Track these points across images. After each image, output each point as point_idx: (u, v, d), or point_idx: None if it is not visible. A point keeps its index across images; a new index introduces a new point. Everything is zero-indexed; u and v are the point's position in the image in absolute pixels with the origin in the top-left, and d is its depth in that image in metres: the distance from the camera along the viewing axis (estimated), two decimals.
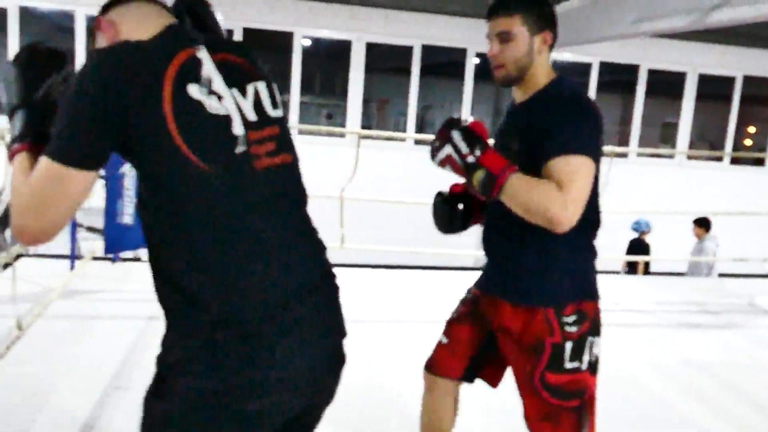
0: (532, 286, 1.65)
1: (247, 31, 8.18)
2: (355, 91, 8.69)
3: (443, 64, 8.81)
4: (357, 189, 4.71)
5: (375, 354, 3.32)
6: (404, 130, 8.90)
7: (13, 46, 7.68)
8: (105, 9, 1.19)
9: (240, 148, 1.12)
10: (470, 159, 1.52)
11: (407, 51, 8.60)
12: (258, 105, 1.18)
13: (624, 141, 9.55)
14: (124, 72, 1.04)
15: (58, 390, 2.70)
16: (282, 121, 1.23)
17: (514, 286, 1.68)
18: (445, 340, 1.85)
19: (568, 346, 1.62)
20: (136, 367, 3.01)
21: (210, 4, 1.29)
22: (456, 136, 1.55)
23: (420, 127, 8.93)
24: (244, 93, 1.17)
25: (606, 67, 9.11)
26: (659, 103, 9.98)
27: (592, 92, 9.06)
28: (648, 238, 7.14)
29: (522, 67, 1.62)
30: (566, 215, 1.46)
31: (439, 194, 1.85)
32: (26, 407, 2.54)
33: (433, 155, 1.59)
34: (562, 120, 1.54)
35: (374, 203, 4.96)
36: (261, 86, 1.21)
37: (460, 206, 1.80)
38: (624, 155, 8.69)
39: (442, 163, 1.58)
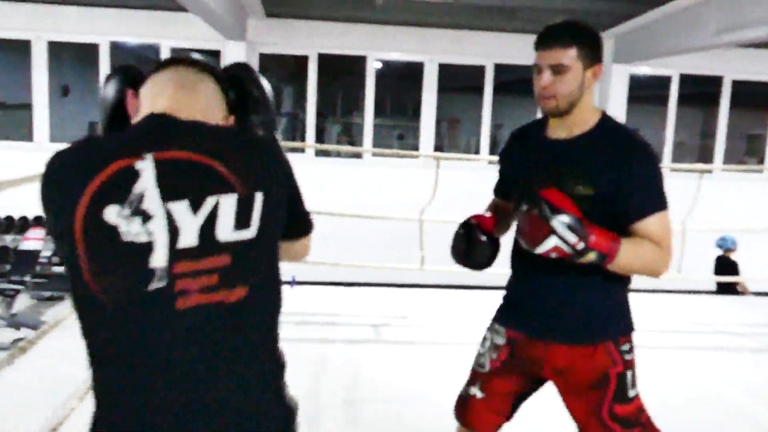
0: (593, 324, 1.65)
1: (321, 57, 8.38)
2: (428, 111, 8.74)
3: (514, 81, 8.76)
4: (432, 210, 4.73)
5: (461, 376, 3.30)
6: (476, 150, 8.87)
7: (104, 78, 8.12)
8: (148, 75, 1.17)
9: (155, 284, 0.95)
10: (580, 246, 1.49)
11: (479, 70, 8.60)
12: (208, 226, 0.98)
13: (706, 154, 9.22)
14: (58, 175, 1.00)
15: None
16: (243, 247, 1.01)
17: (572, 326, 1.66)
18: (480, 395, 1.77)
19: (629, 374, 1.66)
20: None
21: (254, 70, 1.27)
22: (560, 226, 1.49)
23: (492, 146, 8.89)
24: (196, 207, 0.99)
25: (686, 80, 8.84)
26: (744, 115, 9.59)
27: (672, 106, 8.80)
28: (734, 256, 6.84)
29: (573, 101, 1.61)
30: (667, 268, 1.63)
31: (466, 225, 1.82)
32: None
33: (534, 244, 1.52)
34: (646, 175, 1.59)
35: (451, 224, 4.97)
36: (227, 200, 1.00)
37: (483, 238, 1.78)
38: (709, 171, 8.38)
39: (546, 253, 1.52)
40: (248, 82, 1.24)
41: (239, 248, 1.00)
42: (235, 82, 1.21)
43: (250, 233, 1.01)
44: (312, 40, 8.27)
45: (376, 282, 5.45)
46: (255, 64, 8.27)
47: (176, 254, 0.96)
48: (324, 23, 8.15)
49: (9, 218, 7.80)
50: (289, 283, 4.83)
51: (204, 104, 1.13)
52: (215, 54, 8.24)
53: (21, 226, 7.76)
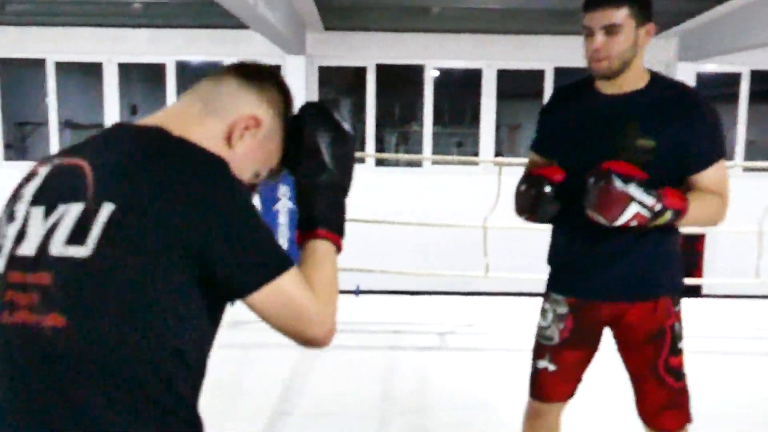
0: (654, 279, 1.68)
1: (379, 67, 8.45)
2: (488, 118, 8.69)
3: None
4: (495, 216, 4.71)
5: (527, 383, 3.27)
6: None
7: (171, 98, 8.41)
8: None
9: None
10: (658, 207, 1.51)
11: (538, 74, 8.51)
12: (48, 237, 0.87)
13: None
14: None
15: (226, 415, 2.89)
16: (70, 266, 0.85)
17: (634, 284, 1.67)
18: (553, 367, 1.78)
19: (677, 327, 1.70)
20: (297, 393, 3.17)
21: (326, 115, 1.12)
22: (636, 191, 1.50)
23: None
24: (48, 214, 0.89)
25: (757, 76, 8.51)
26: None
27: (743, 103, 8.49)
28: None
29: (626, 60, 1.60)
30: (725, 217, 1.66)
31: (530, 179, 1.76)
32: None
33: (612, 217, 1.52)
34: (707, 125, 1.61)
35: (515, 231, 4.93)
36: (73, 210, 0.87)
37: (548, 189, 1.71)
38: None
39: (627, 223, 1.52)
40: (309, 127, 1.08)
41: (64, 267, 0.85)
42: (296, 124, 1.08)
43: (83, 251, 0.84)
44: (370, 51, 8.35)
45: (441, 290, 5.44)
46: (314, 76, 8.42)
47: (12, 262, 0.88)
48: (381, 34, 8.22)
49: None
50: (353, 292, 4.88)
51: (196, 120, 1.01)
52: (275, 68, 8.41)
53: None
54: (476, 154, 8.78)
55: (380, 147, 9.27)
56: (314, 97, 8.43)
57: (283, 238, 4.27)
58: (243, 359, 3.62)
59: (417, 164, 8.78)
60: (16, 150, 9.03)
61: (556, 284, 1.80)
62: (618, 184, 1.49)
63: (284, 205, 4.19)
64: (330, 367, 3.57)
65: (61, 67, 8.43)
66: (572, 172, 1.66)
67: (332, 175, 1.07)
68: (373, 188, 8.47)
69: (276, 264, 0.91)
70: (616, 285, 1.68)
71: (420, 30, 8.10)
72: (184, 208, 0.86)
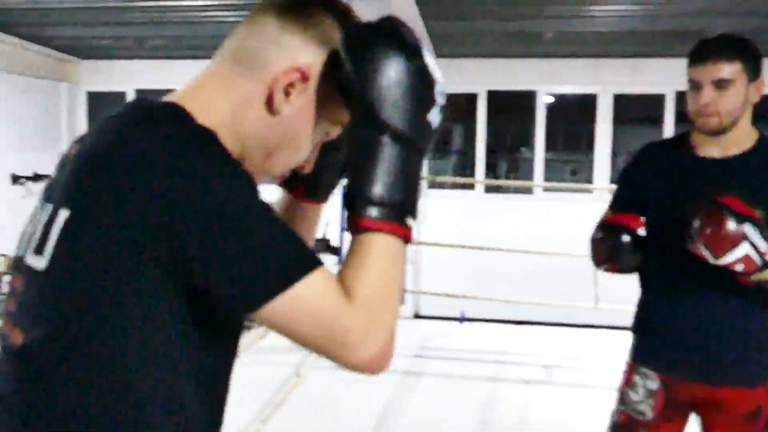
0: (756, 363, 1.56)
1: (491, 94, 8.41)
2: (603, 144, 8.41)
3: None
4: None
5: None
6: None
7: None
8: None
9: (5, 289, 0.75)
10: None
11: (657, 99, 8.15)
12: (28, 241, 0.77)
13: None
14: None
15: None
16: (33, 278, 0.74)
17: (735, 367, 1.56)
18: None
19: None
20: (394, 418, 3.16)
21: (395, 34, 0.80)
22: (751, 231, 1.38)
23: None
24: (38, 214, 0.79)
25: None
26: None
27: None
28: None
29: (736, 118, 1.50)
30: None
31: (606, 228, 1.68)
32: None
33: (720, 252, 1.41)
34: None
35: None
36: (45, 212, 0.75)
37: (626, 238, 1.62)
38: None
39: (731, 264, 1.40)
40: (363, 53, 0.76)
41: (29, 279, 0.75)
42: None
43: (41, 263, 0.73)
44: (481, 77, 8.33)
45: (548, 321, 5.27)
46: None
47: (16, 264, 0.79)
48: (492, 60, 8.19)
49: None
50: (458, 319, 4.83)
51: (209, 92, 0.80)
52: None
53: None
54: (591, 181, 8.50)
55: (492, 174, 9.19)
56: None
57: None
58: (341, 383, 3.67)
59: (528, 191, 8.62)
60: None
61: (647, 358, 1.69)
62: (733, 219, 1.39)
63: None
64: (429, 393, 3.55)
65: None
66: (661, 237, 1.57)
67: (393, 127, 0.75)
68: (481, 215, 8.39)
69: (290, 267, 0.69)
70: (718, 368, 1.58)
71: (532, 55, 8.00)
72: (149, 211, 0.67)
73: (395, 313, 0.75)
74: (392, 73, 0.74)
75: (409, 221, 0.76)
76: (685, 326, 1.60)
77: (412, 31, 0.80)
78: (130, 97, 8.97)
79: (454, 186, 8.67)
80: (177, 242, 0.67)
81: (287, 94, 0.80)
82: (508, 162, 9.82)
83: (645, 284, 1.68)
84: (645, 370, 1.67)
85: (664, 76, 7.93)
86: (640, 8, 5.92)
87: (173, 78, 9.28)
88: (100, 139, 0.75)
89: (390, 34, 0.77)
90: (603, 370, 3.99)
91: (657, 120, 8.20)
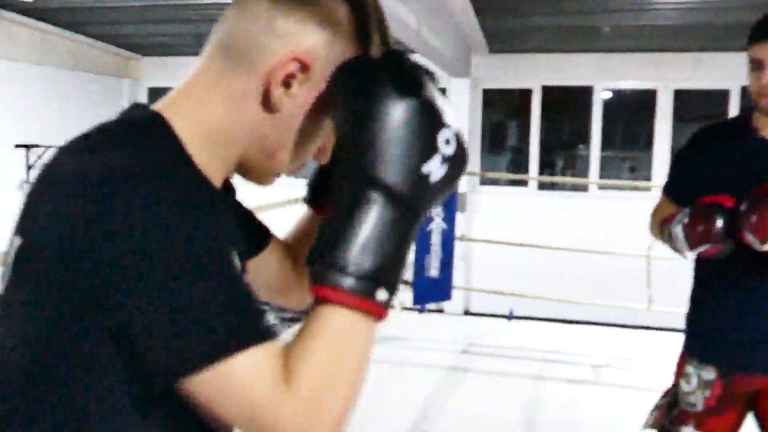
0: None
1: (545, 89, 8.29)
2: (662, 142, 8.18)
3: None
4: (660, 245, 4.41)
5: None
6: None
7: None
8: None
9: None
10: None
11: (720, 95, 7.87)
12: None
13: None
14: None
15: (365, 430, 2.95)
16: None
17: None
18: None
19: None
20: (437, 413, 3.16)
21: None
22: None
23: None
24: (12, 240, 0.68)
25: None
26: None
27: None
28: None
29: None
30: None
31: (701, 209, 1.58)
32: None
33: (764, 239, 1.37)
34: None
35: (682, 262, 4.59)
36: (15, 243, 0.65)
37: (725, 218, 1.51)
38: None
39: None
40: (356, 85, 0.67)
41: None
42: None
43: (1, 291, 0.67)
44: (536, 72, 8.22)
45: (599, 321, 5.17)
46: (478, 99, 8.44)
47: None
48: (548, 55, 8.07)
49: None
50: (507, 317, 4.79)
51: (196, 100, 0.70)
52: (441, 91, 8.54)
53: None
54: (650, 180, 8.28)
55: (549, 171, 9.07)
56: (478, 121, 8.46)
57: (436, 258, 4.30)
58: (387, 375, 3.68)
59: (583, 189, 8.46)
60: None
61: (703, 350, 1.64)
62: None
63: (438, 224, 4.23)
64: (474, 390, 3.53)
65: None
66: None
67: (378, 180, 0.62)
68: (534, 212, 8.28)
69: (224, 337, 0.57)
70: None
71: (589, 50, 7.84)
72: (78, 245, 0.58)
73: (345, 408, 0.62)
74: (383, 115, 0.63)
75: (383, 296, 0.61)
76: (743, 317, 1.55)
77: (418, 67, 0.68)
78: None
79: (508, 183, 8.59)
80: (104, 286, 0.57)
81: (287, 86, 0.68)
82: (564, 159, 9.66)
83: (699, 275, 1.63)
84: (700, 362, 1.63)
85: (727, 71, 7.65)
86: (702, 0, 5.72)
87: None
88: (55, 162, 0.66)
89: (388, 70, 0.66)
90: (654, 372, 3.89)
91: (720, 117, 7.92)
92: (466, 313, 8.30)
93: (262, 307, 0.64)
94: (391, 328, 4.54)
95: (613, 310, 5.09)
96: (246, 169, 0.75)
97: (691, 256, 1.62)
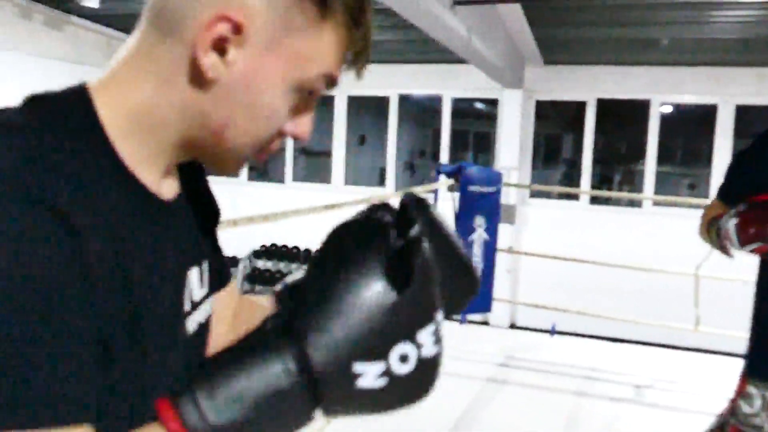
0: None
1: (600, 102, 8.16)
2: (722, 159, 7.93)
3: None
4: (712, 265, 4.27)
5: None
6: None
7: (393, 129, 8.89)
8: None
9: None
10: None
11: None
12: None
13: None
14: None
15: None
16: None
17: None
18: None
19: None
20: (473, 424, 3.14)
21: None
22: None
23: None
24: None
25: None
26: None
27: None
28: None
29: None
30: None
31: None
32: None
33: None
34: None
35: (733, 282, 4.43)
36: None
37: None
38: None
39: None
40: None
41: None
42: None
43: None
44: (591, 85, 8.10)
45: (644, 340, 5.04)
46: (530, 111, 8.37)
47: None
48: (604, 68, 7.94)
49: (306, 251, 8.88)
50: (549, 331, 4.73)
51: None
52: (493, 102, 8.51)
53: (305, 256, 8.78)
54: (709, 197, 8.04)
55: (607, 185, 8.90)
56: (530, 133, 8.38)
57: (477, 269, 4.27)
58: None
59: (637, 204, 8.28)
60: (259, 172, 10.13)
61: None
62: None
63: (480, 235, 4.21)
64: (512, 404, 3.50)
65: None
66: None
67: (306, 345, 0.54)
68: (585, 226, 8.14)
69: (25, 405, 0.45)
70: None
71: (647, 63, 7.68)
72: None
73: None
74: (344, 289, 0.54)
75: None
76: None
77: (421, 242, 0.56)
78: None
79: (559, 196, 8.47)
80: None
81: (222, 52, 0.59)
82: (621, 173, 9.46)
83: (765, 289, 1.56)
84: (763, 382, 1.57)
85: None
86: (765, 14, 5.54)
87: None
88: None
89: (382, 239, 0.57)
90: (699, 394, 3.77)
91: None
92: (512, 326, 8.22)
93: (94, 382, 0.50)
94: None
95: (659, 330, 4.96)
96: (199, 156, 0.66)
97: (738, 253, 1.56)
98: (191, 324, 0.67)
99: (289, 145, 9.40)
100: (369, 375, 0.54)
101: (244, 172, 9.66)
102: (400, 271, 0.55)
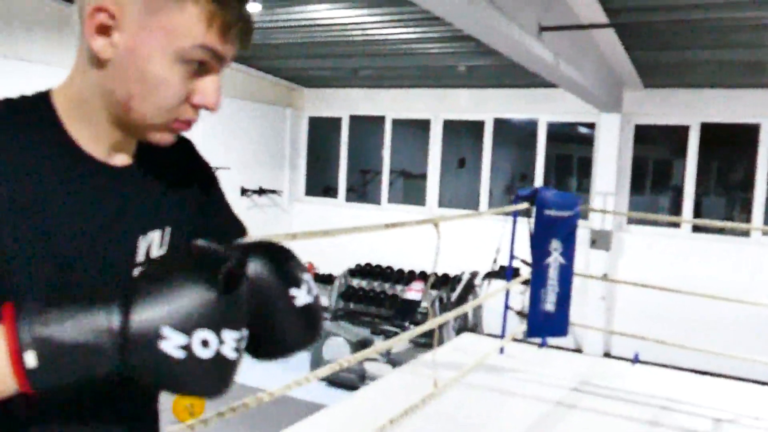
0: None
1: (704, 126, 7.87)
2: None
3: None
4: None
5: None
6: None
7: (487, 153, 8.94)
8: None
9: None
10: None
11: None
12: None
13: None
14: None
15: None
16: None
17: None
18: None
19: None
20: None
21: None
22: None
23: None
24: None
25: None
26: None
27: None
28: None
29: None
30: None
31: None
32: None
33: None
34: None
35: None
36: None
37: None
38: None
39: None
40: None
41: None
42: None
43: None
44: (694, 109, 7.83)
45: (730, 374, 4.81)
46: (629, 135, 8.18)
47: None
48: (708, 90, 7.66)
49: (399, 271, 9.05)
50: (631, 360, 4.63)
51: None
52: (590, 126, 8.39)
53: (407, 278, 8.92)
54: None
55: (716, 214, 8.46)
56: (629, 158, 8.19)
57: (553, 293, 4.28)
58: (494, 403, 3.73)
59: (745, 234, 7.85)
60: (357, 193, 10.45)
61: None
62: None
63: (555, 259, 4.22)
64: (577, 428, 3.48)
65: (396, 123, 9.60)
66: None
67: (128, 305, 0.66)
68: (685, 255, 7.82)
69: None
70: None
71: (754, 86, 7.34)
72: None
73: None
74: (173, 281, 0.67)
75: (31, 360, 0.63)
76: None
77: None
78: (345, 122, 9.80)
79: (659, 224, 8.17)
80: None
81: (108, 35, 0.75)
82: (728, 201, 9.00)
83: None
84: None
85: None
86: None
87: (383, 105, 9.98)
88: None
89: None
90: None
91: None
92: (606, 355, 7.99)
93: None
94: (505, 359, 4.56)
95: (746, 363, 4.71)
96: (127, 130, 0.81)
97: None
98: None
99: (386, 166, 9.66)
100: (172, 341, 0.65)
101: (342, 193, 10.02)
102: (222, 285, 0.67)
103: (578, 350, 8.12)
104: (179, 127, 0.80)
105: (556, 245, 4.19)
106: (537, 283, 4.26)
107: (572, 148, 9.74)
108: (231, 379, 0.69)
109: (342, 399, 4.23)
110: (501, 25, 4.10)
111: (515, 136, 9.38)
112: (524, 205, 4.20)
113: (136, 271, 0.83)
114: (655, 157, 9.11)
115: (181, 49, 0.75)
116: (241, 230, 1.02)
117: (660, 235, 8.12)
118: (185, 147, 0.96)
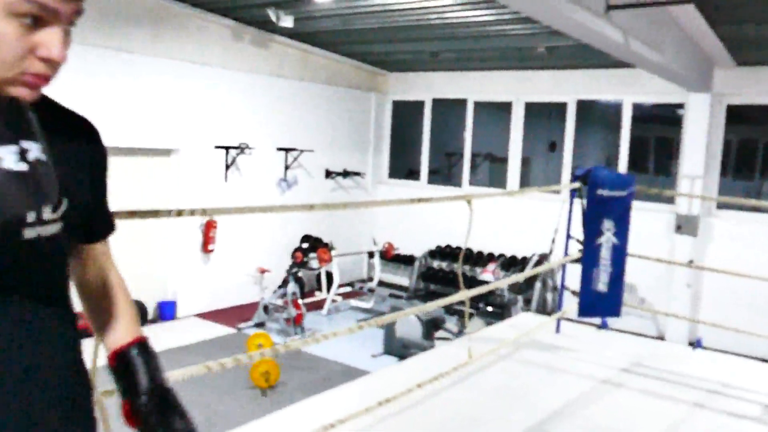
0: None
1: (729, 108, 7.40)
2: None
3: None
4: None
5: None
6: None
7: (570, 135, 8.81)
8: None
9: None
10: None
11: None
12: None
13: None
14: None
15: (482, 419, 3.17)
16: None
17: None
18: None
19: None
20: (567, 418, 3.24)
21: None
22: None
23: None
24: None
25: None
26: None
27: None
28: None
29: None
30: None
31: None
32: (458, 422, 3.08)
33: None
34: None
35: None
36: None
37: None
38: None
39: None
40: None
41: None
42: None
43: None
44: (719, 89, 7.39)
45: None
46: (721, 115, 7.82)
47: None
48: None
49: (479, 253, 9.13)
50: (692, 344, 4.55)
51: None
52: (679, 106, 8.09)
53: (485, 260, 8.99)
54: None
55: None
56: (720, 140, 7.84)
57: (605, 273, 4.28)
58: (538, 378, 3.82)
59: None
60: (443, 176, 10.57)
61: None
62: None
63: (608, 239, 4.21)
64: (620, 407, 3.52)
65: (481, 105, 9.62)
66: None
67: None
68: (742, 238, 7.45)
69: None
70: None
71: None
72: None
73: None
74: None
75: None
76: None
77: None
78: (428, 105, 9.93)
79: (751, 209, 7.78)
80: None
81: None
82: None
83: None
84: None
85: None
86: None
87: (465, 88, 10.02)
88: None
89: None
90: None
91: None
92: (691, 344, 7.74)
93: None
94: (561, 338, 4.59)
95: None
96: None
97: None
98: (30, 233, 0.91)
99: (467, 149, 9.71)
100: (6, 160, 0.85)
101: (424, 175, 10.17)
102: None
103: (660, 338, 7.91)
104: (33, 81, 0.86)
105: (608, 225, 4.18)
106: (588, 262, 4.27)
107: (658, 129, 9.40)
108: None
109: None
110: (561, 4, 4.09)
111: (605, 117, 9.16)
112: (577, 185, 4.22)
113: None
114: (743, 139, 8.63)
115: (8, 3, 0.80)
116: (110, 225, 1.17)
117: (754, 221, 7.74)
118: (88, 128, 1.05)
